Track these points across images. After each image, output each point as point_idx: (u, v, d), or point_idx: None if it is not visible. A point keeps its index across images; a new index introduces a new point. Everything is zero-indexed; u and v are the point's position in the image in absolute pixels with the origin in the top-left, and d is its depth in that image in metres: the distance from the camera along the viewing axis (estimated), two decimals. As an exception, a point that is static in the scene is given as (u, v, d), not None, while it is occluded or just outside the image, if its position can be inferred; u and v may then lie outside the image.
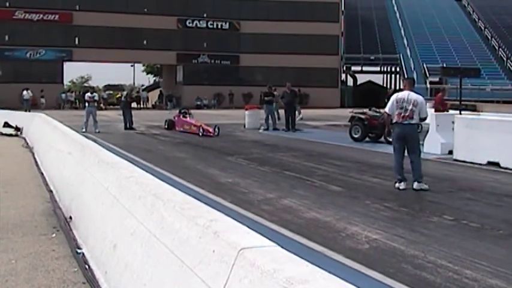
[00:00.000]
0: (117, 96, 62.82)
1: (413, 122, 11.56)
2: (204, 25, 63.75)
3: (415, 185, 11.43)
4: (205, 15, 63.14)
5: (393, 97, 11.78)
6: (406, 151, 11.71)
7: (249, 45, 62.45)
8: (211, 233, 3.44)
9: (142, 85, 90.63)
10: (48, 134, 14.36)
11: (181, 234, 3.82)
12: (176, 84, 64.69)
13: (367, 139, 21.54)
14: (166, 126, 27.79)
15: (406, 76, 58.70)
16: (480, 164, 15.40)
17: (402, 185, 11.48)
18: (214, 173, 13.62)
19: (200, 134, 24.09)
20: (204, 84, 59.87)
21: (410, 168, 11.63)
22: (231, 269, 3.00)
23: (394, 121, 11.64)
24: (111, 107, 52.85)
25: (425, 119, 12.05)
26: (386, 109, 11.80)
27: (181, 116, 27.10)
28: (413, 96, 11.64)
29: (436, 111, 19.99)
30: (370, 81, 73.79)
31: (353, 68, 70.79)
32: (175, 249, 3.80)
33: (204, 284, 3.21)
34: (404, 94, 11.71)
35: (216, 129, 24.22)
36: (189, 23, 63.17)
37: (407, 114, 11.45)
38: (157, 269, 4.05)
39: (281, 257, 2.94)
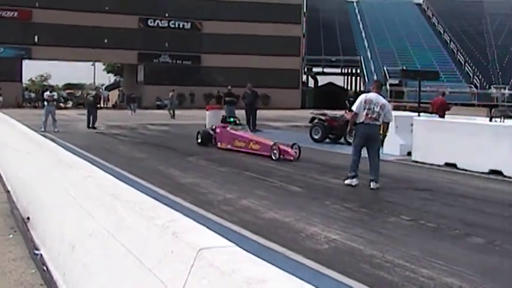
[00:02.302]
0: (78, 95, 62.37)
1: (378, 123, 11.79)
2: (166, 25, 63.47)
3: (373, 184, 11.66)
4: (167, 14, 62.88)
5: (362, 97, 12.01)
6: (366, 151, 11.96)
7: (210, 45, 62.26)
8: (170, 233, 3.44)
9: (103, 84, 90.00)
10: (6, 133, 14.16)
11: (140, 235, 3.81)
12: (137, 83, 64.26)
13: (327, 140, 21.68)
14: (199, 141, 20.15)
15: (367, 78, 59.42)
16: (438, 165, 15.62)
17: (354, 181, 11.88)
18: (174, 174, 13.58)
19: (274, 157, 16.23)
20: (165, 84, 59.48)
21: (369, 168, 11.77)
22: (190, 269, 3.00)
23: (360, 121, 11.78)
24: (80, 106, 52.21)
25: (388, 123, 12.25)
26: (354, 108, 11.92)
27: (229, 128, 19.29)
28: (381, 99, 11.95)
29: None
30: (331, 83, 74.22)
31: (314, 70, 71.23)
32: (134, 250, 3.79)
33: (163, 285, 3.20)
34: (373, 96, 11.91)
35: (296, 149, 16.52)
36: (151, 22, 62.86)
37: (374, 116, 11.66)
38: (116, 269, 4.02)
39: (240, 257, 2.95)
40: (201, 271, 2.92)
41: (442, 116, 20.39)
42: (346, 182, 11.96)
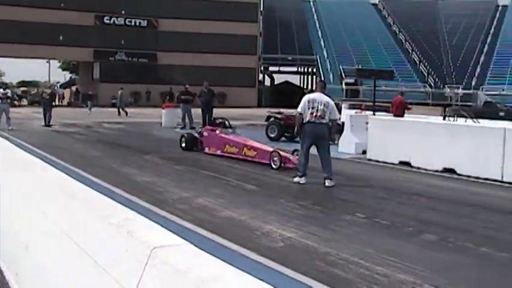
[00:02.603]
0: (33, 93, 61.47)
1: (324, 121, 11.93)
2: (122, 22, 62.97)
3: (328, 182, 11.81)
4: (123, 12, 62.35)
5: (305, 97, 12.21)
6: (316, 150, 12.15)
7: (167, 43, 61.94)
8: (124, 232, 3.44)
9: (58, 82, 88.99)
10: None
11: (95, 234, 3.80)
12: (93, 81, 63.57)
13: (283, 138, 21.77)
14: (183, 145, 18.01)
15: (321, 78, 59.59)
16: (392, 164, 15.79)
17: (303, 180, 12.08)
18: (130, 172, 13.51)
19: (274, 165, 14.29)
20: (121, 82, 58.89)
21: (322, 166, 11.89)
22: (144, 268, 3.01)
23: (306, 120, 11.93)
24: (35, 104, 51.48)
25: (335, 120, 12.43)
26: (299, 109, 12.06)
27: (218, 131, 17.22)
28: (325, 98, 12.11)
29: (395, 116, 20.42)
30: (287, 82, 74.49)
31: (271, 68, 71.44)
32: (89, 249, 3.78)
33: (118, 284, 3.20)
34: (316, 95, 12.11)
35: (297, 156, 13.77)
36: (107, 19, 62.30)
37: (319, 114, 11.84)
38: (70, 269, 4.00)
39: (194, 256, 2.96)
40: (155, 269, 2.93)
41: (402, 116, 20.63)
42: (295, 179, 12.21)
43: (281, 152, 14.49)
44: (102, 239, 3.65)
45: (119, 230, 3.51)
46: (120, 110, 39.55)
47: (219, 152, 16.51)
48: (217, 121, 18.94)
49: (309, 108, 11.86)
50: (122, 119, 35.19)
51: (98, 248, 3.66)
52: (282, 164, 14.16)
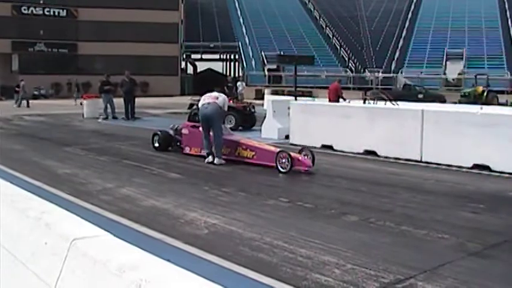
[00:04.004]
0: None
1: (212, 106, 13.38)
2: (41, 12, 61.50)
3: (216, 160, 13.17)
4: (41, 1, 60.94)
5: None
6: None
7: (87, 33, 60.90)
8: (43, 225, 3.40)
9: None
10: None
11: (12, 228, 3.74)
12: (12, 73, 61.96)
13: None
14: (156, 145, 15.53)
15: (245, 64, 60.02)
16: (315, 148, 15.96)
17: (210, 159, 13.32)
18: (51, 165, 13.28)
19: (282, 169, 12.04)
20: (41, 73, 57.69)
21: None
22: (64, 260, 2.98)
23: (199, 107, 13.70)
24: None
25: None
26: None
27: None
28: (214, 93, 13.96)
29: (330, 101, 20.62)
30: (209, 69, 74.31)
31: (193, 56, 71.10)
32: (6, 244, 3.72)
33: (37, 278, 3.17)
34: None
35: (309, 155, 12.45)
36: (25, 9, 60.72)
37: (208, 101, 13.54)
38: (-13, 265, 3.92)
39: (114, 246, 2.95)
40: (75, 261, 2.91)
41: (336, 101, 20.93)
42: (206, 160, 13.40)
43: (291, 153, 12.29)
44: (20, 232, 3.60)
45: (36, 223, 3.47)
46: (22, 101, 38.73)
47: (202, 152, 13.92)
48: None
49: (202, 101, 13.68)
50: (42, 111, 34.42)
51: (16, 242, 3.60)
52: (295, 165, 12.00)
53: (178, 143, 15.26)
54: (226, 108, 13.94)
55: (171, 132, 15.67)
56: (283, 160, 12.08)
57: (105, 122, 26.00)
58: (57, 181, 10.94)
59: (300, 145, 16.11)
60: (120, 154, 14.96)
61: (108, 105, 27.07)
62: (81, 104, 34.76)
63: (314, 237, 7.00)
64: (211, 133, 13.34)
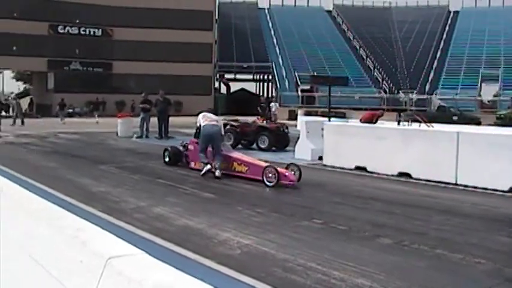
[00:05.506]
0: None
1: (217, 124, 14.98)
2: (76, 31, 62.34)
3: (217, 172, 14.15)
4: (77, 21, 61.75)
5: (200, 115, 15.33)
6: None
7: (122, 52, 61.55)
8: (78, 242, 3.39)
9: (12, 92, 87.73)
10: None
11: (48, 245, 3.75)
12: (47, 91, 62.81)
13: (239, 146, 21.78)
14: (167, 160, 16.69)
15: (277, 85, 60.00)
16: (349, 169, 15.91)
17: (207, 167, 14.40)
18: (85, 182, 13.37)
19: (268, 182, 12.93)
20: (75, 91, 58.33)
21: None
22: (99, 278, 2.98)
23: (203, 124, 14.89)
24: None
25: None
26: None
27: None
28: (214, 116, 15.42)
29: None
30: (243, 89, 74.53)
31: (226, 76, 71.35)
32: (42, 261, 3.72)
33: (73, 295, 3.16)
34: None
35: (296, 172, 13.42)
36: (61, 29, 61.58)
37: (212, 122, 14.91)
38: (23, 281, 3.94)
39: (149, 265, 2.94)
40: (110, 280, 2.90)
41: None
42: (203, 171, 14.41)
43: (278, 168, 13.05)
44: (57, 250, 3.60)
45: (72, 241, 3.46)
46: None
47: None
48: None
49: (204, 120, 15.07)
50: (77, 129, 34.73)
51: (53, 259, 3.61)
52: (281, 180, 12.79)
53: (186, 158, 16.30)
54: (223, 132, 15.59)
55: (181, 148, 16.72)
56: (270, 175, 12.98)
57: (139, 140, 26.17)
58: (91, 198, 10.99)
59: (333, 166, 16.11)
60: (153, 173, 15.02)
61: (145, 123, 27.26)
62: (96, 122, 35.31)
63: (347, 259, 6.94)
64: (209, 149, 14.69)
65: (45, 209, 4.40)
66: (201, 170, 14.46)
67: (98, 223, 3.94)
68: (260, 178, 13.21)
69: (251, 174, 13.72)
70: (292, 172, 13.23)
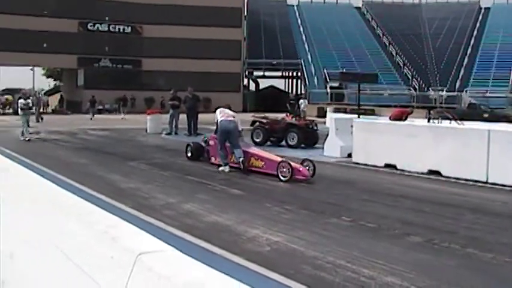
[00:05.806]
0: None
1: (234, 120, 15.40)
2: (106, 28, 62.61)
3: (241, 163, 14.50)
4: (107, 18, 62.06)
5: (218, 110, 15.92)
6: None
7: (151, 49, 61.71)
8: (109, 238, 3.41)
9: (42, 89, 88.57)
10: None
11: (79, 241, 3.77)
12: (77, 88, 63.27)
13: (268, 143, 21.78)
14: (189, 155, 17.19)
15: (308, 81, 60.07)
16: (378, 167, 15.82)
17: (226, 169, 14.82)
18: (115, 179, 13.47)
19: (282, 177, 13.25)
20: (105, 88, 58.64)
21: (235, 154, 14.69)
22: (130, 274, 2.99)
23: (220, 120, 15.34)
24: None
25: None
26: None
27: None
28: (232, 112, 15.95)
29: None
30: (272, 86, 74.47)
31: (255, 73, 71.31)
32: (73, 256, 3.74)
33: (103, 291, 3.18)
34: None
35: (310, 167, 13.66)
36: (91, 26, 61.92)
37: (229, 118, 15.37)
38: (55, 277, 3.96)
39: (179, 261, 2.94)
40: (141, 276, 2.91)
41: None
42: (220, 169, 14.89)
43: (292, 163, 13.34)
44: (88, 246, 3.62)
45: (103, 237, 3.48)
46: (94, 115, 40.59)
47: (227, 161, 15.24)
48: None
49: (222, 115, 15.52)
50: (107, 125, 34.97)
51: (84, 255, 3.63)
52: (295, 175, 13.07)
53: (208, 153, 16.72)
54: (240, 128, 15.51)
55: (203, 143, 17.20)
56: (284, 169, 13.27)
57: (168, 137, 26.28)
58: (121, 195, 11.08)
59: (362, 164, 16.03)
60: (183, 170, 15.09)
61: (174, 120, 27.37)
62: (122, 118, 35.64)
63: (377, 257, 6.91)
64: (227, 144, 15.09)
65: (75, 204, 4.44)
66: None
67: (128, 219, 3.96)
68: (274, 172, 13.57)
69: (267, 169, 14.01)
70: (307, 167, 13.48)
